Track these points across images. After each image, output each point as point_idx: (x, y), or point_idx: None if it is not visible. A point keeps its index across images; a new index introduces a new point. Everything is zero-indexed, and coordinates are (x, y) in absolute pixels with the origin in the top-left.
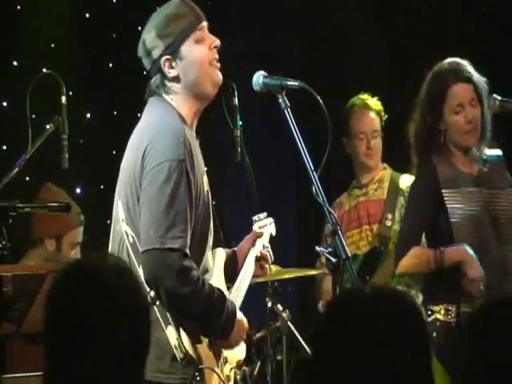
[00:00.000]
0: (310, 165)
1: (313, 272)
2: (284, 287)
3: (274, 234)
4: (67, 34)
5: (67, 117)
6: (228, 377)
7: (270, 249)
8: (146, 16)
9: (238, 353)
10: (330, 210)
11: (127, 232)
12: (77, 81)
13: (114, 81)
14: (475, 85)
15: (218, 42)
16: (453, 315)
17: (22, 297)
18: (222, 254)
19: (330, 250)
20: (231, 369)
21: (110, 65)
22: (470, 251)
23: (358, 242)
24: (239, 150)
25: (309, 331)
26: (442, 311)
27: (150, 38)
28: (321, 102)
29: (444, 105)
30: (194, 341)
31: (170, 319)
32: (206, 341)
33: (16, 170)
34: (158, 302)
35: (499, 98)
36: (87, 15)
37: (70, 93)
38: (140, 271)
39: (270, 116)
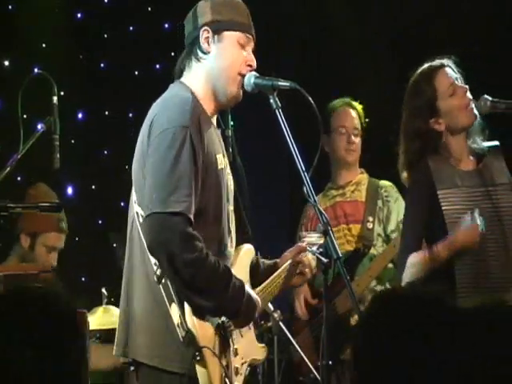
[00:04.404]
0: (301, 165)
1: None
2: None
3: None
4: (59, 34)
5: (59, 117)
6: (236, 369)
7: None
8: (137, 16)
9: (255, 351)
10: (322, 210)
11: (138, 212)
12: (68, 81)
13: (105, 81)
14: (452, 68)
15: (254, 64)
16: None
17: None
18: (248, 249)
19: (321, 250)
20: (243, 363)
21: (102, 65)
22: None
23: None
24: (231, 150)
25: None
26: None
27: (203, 5)
28: (312, 102)
29: (437, 96)
30: (199, 320)
31: (174, 295)
32: (213, 325)
33: (7, 169)
34: (163, 280)
35: (490, 98)
36: (79, 15)
37: (62, 93)
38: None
39: (261, 116)
